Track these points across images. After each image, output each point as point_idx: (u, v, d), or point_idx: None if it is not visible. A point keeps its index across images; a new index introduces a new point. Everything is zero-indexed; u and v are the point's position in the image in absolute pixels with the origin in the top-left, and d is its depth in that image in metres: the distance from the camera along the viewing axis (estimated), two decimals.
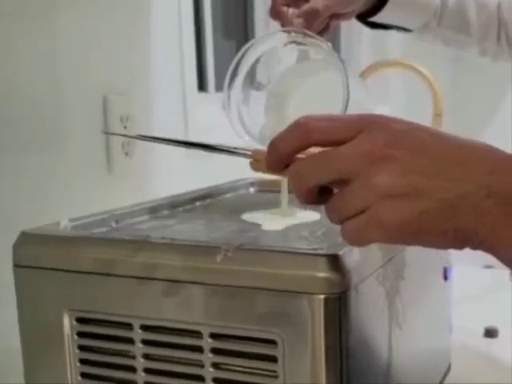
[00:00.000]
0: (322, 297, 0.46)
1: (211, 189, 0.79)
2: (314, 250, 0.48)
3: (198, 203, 0.74)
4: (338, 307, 0.47)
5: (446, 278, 0.72)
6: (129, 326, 0.52)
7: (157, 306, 0.51)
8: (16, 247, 0.56)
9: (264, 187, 0.82)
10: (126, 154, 1.04)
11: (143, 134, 1.07)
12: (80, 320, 0.54)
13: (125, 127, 1.04)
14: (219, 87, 1.46)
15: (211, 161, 1.24)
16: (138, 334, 0.52)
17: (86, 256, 0.53)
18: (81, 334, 0.54)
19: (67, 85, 0.93)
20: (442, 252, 0.72)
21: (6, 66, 0.82)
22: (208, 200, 0.76)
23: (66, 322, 0.54)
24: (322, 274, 0.46)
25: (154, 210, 0.69)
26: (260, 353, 0.49)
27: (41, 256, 0.55)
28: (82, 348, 0.54)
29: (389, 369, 0.56)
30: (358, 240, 0.40)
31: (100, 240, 0.55)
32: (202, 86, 1.41)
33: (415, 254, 0.60)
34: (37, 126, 0.88)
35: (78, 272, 0.53)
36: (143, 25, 1.08)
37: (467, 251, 0.41)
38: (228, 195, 0.80)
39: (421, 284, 0.65)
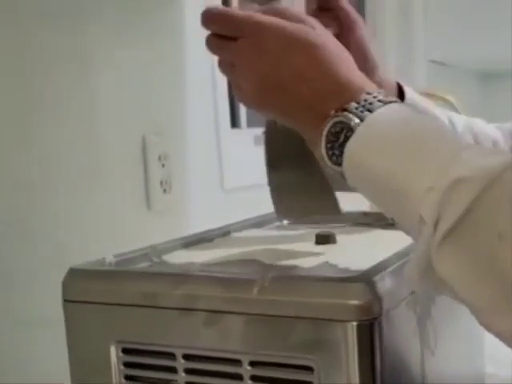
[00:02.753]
0: (355, 324, 0.49)
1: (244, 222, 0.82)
2: (347, 277, 0.51)
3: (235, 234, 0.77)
4: (370, 333, 0.49)
5: None
6: (172, 356, 0.55)
7: (198, 336, 0.54)
8: (65, 283, 0.60)
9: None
10: (165, 191, 1.08)
11: (179, 170, 1.12)
12: (126, 351, 0.57)
13: (163, 165, 1.08)
14: (250, 123, 1.51)
15: (244, 196, 1.28)
16: (180, 364, 0.55)
17: (130, 289, 0.57)
18: (127, 364, 0.57)
19: (108, 127, 0.98)
20: None
21: (54, 116, 0.87)
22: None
23: (113, 352, 0.57)
24: (353, 302, 0.49)
25: (193, 243, 0.72)
26: (297, 379, 0.51)
27: (88, 290, 0.59)
28: (128, 378, 0.57)
29: None
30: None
31: (143, 274, 0.58)
32: (234, 122, 1.45)
33: None
34: (81, 168, 0.92)
35: (123, 305, 0.57)
36: (178, 66, 1.13)
37: None
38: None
39: (452, 308, 0.66)
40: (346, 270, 0.57)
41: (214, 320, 0.53)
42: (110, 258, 0.63)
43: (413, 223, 0.44)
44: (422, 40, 1.93)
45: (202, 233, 0.75)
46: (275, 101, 0.52)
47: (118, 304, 0.57)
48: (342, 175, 0.49)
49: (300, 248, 0.67)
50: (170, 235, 1.09)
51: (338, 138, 0.48)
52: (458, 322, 0.69)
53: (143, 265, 0.65)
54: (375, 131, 0.47)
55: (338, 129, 0.48)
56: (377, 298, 0.49)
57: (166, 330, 0.55)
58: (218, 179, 1.22)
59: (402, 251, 0.59)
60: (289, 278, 0.52)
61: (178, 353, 0.55)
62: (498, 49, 1.88)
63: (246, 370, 0.52)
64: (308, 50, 0.51)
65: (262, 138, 1.41)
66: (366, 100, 0.48)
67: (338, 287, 0.50)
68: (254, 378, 0.52)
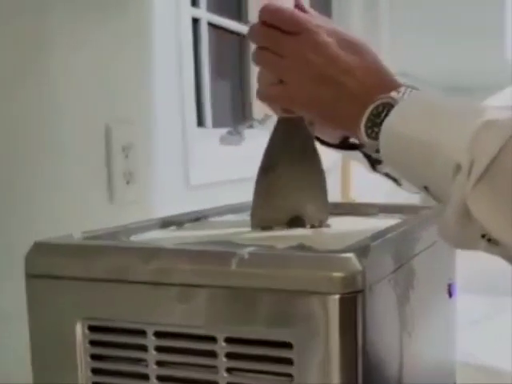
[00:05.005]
0: (338, 296, 0.47)
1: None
2: (330, 249, 0.49)
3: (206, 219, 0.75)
4: (354, 307, 0.47)
5: (450, 294, 0.73)
6: (142, 333, 0.52)
7: (170, 312, 0.51)
8: (29, 257, 0.56)
9: None
10: (128, 182, 1.05)
11: (144, 161, 1.09)
12: (93, 328, 0.54)
13: (127, 156, 1.05)
14: (216, 123, 1.49)
15: (212, 192, 1.26)
16: (151, 341, 0.52)
17: (98, 264, 0.54)
18: (93, 343, 0.54)
19: (69, 114, 0.94)
20: (446, 267, 0.72)
21: (12, 102, 0.83)
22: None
23: (79, 330, 0.54)
24: (337, 273, 0.47)
25: (164, 225, 0.70)
26: (276, 356, 0.49)
27: (54, 264, 0.55)
28: (94, 357, 0.54)
29: (400, 374, 0.56)
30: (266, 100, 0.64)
31: (112, 248, 0.55)
32: (200, 121, 1.43)
33: (422, 263, 0.61)
34: (39, 157, 0.89)
35: (90, 280, 0.54)
36: (145, 52, 1.10)
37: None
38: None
39: (428, 296, 0.65)
40: (328, 246, 0.55)
41: (187, 295, 0.51)
42: (76, 234, 0.60)
43: (446, 178, 0.48)
44: (388, 52, 1.95)
45: (173, 216, 0.73)
46: (323, 92, 0.58)
47: (86, 279, 0.54)
48: (377, 149, 0.54)
49: (277, 232, 0.65)
50: None
51: (380, 116, 0.54)
52: (433, 311, 0.68)
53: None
54: (412, 104, 0.54)
55: (380, 109, 0.54)
56: (361, 270, 0.47)
57: (136, 306, 0.53)
58: (183, 174, 1.19)
59: (383, 230, 0.58)
60: (269, 251, 0.50)
61: (149, 330, 0.52)
62: (464, 62, 1.91)
63: (222, 346, 0.50)
64: (361, 49, 0.59)
65: (227, 138, 1.38)
66: (405, 89, 0.55)
67: (322, 259, 0.48)
68: (229, 355, 0.50)
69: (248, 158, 1.39)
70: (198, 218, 0.75)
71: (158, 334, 0.52)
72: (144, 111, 1.10)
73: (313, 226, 0.67)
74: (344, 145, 0.68)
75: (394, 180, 0.83)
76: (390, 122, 0.53)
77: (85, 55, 0.95)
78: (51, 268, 0.55)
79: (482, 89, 1.85)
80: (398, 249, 0.56)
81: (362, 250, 0.50)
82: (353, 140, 0.75)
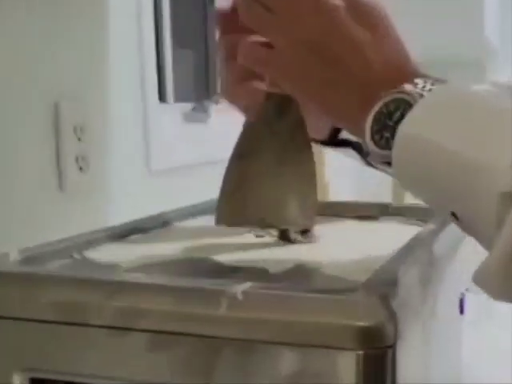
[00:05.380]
0: (362, 353, 0.36)
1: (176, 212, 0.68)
2: (348, 287, 0.37)
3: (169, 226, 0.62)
4: (382, 366, 0.36)
5: (462, 311, 0.63)
6: None
7: (139, 365, 0.39)
8: None
9: None
10: (81, 169, 0.92)
11: (99, 145, 0.95)
12: (35, 382, 0.42)
13: (79, 139, 0.91)
14: (178, 98, 1.35)
15: (174, 179, 1.13)
16: None
17: (42, 300, 0.41)
18: None
19: (13, 91, 0.80)
20: (459, 280, 0.62)
21: None
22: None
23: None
24: (361, 323, 0.36)
25: (122, 235, 0.57)
26: None
27: None
28: None
29: None
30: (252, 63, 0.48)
31: (61, 279, 0.42)
32: (161, 96, 1.30)
33: (443, 285, 0.50)
34: None
35: (33, 321, 0.41)
36: (100, 20, 0.96)
37: None
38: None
39: (445, 320, 0.55)
40: (338, 275, 0.44)
41: (161, 344, 0.39)
42: (14, 255, 0.47)
43: (487, 208, 0.35)
44: None
45: (134, 222, 0.60)
46: (319, 70, 0.45)
47: (26, 319, 0.41)
48: (387, 161, 0.42)
49: (263, 244, 0.54)
50: (87, 222, 0.93)
51: (392, 118, 0.42)
52: (448, 333, 0.57)
53: (59, 263, 0.49)
54: (439, 104, 0.40)
55: (392, 107, 0.42)
56: (392, 316, 0.36)
57: (93, 356, 0.40)
58: (143, 158, 1.06)
59: (404, 249, 0.47)
60: (269, 289, 0.38)
61: None
62: (440, 37, 1.82)
63: None
64: (376, 20, 0.45)
65: (192, 115, 1.23)
66: (426, 81, 0.43)
67: (339, 302, 0.37)
68: None
69: (215, 137, 1.27)
70: (164, 223, 0.63)
71: None
72: (98, 86, 0.96)
73: (299, 233, 0.55)
74: (333, 141, 0.56)
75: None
76: (408, 128, 0.40)
77: (30, 24, 0.81)
78: None
79: (459, 64, 1.77)
80: (424, 276, 0.45)
81: (390, 285, 0.38)
82: (344, 135, 0.63)
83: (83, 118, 0.92)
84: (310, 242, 0.54)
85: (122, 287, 0.40)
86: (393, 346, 0.36)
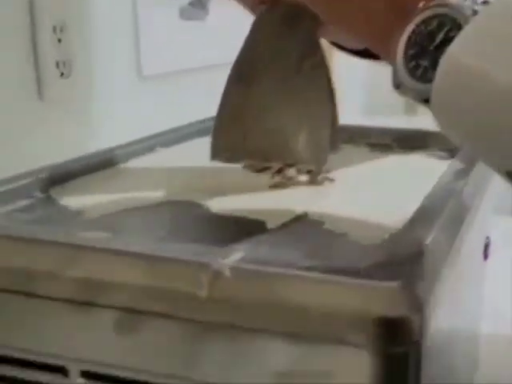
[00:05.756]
0: (380, 353, 0.28)
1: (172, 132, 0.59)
2: (365, 269, 0.30)
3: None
4: (405, 367, 0.29)
5: (486, 256, 0.56)
6: (62, 372, 0.34)
7: (106, 346, 0.32)
8: None
9: None
10: (62, 74, 0.82)
11: (82, 46, 0.85)
12: None
13: (59, 40, 0.81)
14: None
15: (170, 83, 1.03)
16: None
17: None
18: None
19: None
20: (484, 223, 0.54)
21: None
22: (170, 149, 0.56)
23: None
24: (378, 313, 0.28)
25: (98, 167, 0.49)
26: None
27: None
28: None
29: None
30: None
31: (17, 240, 0.34)
32: None
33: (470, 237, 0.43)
34: None
35: None
36: None
37: None
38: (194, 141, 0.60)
39: (470, 273, 0.48)
40: (347, 235, 0.36)
41: (131, 324, 0.32)
42: None
43: None
44: None
45: (111, 149, 0.52)
46: None
47: None
48: (423, 96, 0.33)
49: (260, 185, 0.46)
50: (69, 134, 0.85)
51: (432, 40, 0.32)
52: (471, 288, 0.50)
53: (19, 204, 0.42)
54: (497, 25, 0.29)
55: (433, 26, 0.32)
56: (418, 304, 0.29)
57: (54, 333, 0.33)
58: (133, 61, 0.95)
59: (424, 204, 0.39)
60: (264, 264, 0.30)
61: (73, 368, 0.33)
62: None
63: None
64: None
65: (189, 11, 1.10)
66: None
67: (352, 286, 0.29)
68: None
69: (213, 38, 1.16)
70: (150, 148, 0.54)
71: (88, 375, 0.33)
72: None
73: (306, 172, 0.47)
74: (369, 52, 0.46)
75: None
76: (456, 56, 0.30)
77: None
78: None
79: None
80: (452, 233, 0.37)
81: (416, 262, 0.30)
82: None
83: (64, 15, 0.81)
84: (315, 183, 0.46)
85: (82, 253, 0.32)
86: (418, 344, 0.29)
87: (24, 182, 0.43)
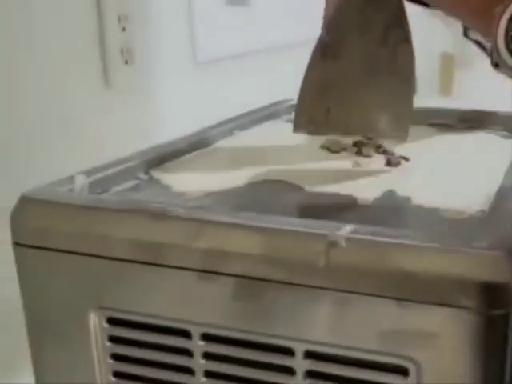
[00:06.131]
0: (484, 314, 0.32)
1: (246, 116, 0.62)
2: (472, 242, 0.33)
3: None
4: (504, 331, 0.32)
5: None
6: (185, 335, 0.38)
7: (228, 311, 0.36)
8: (15, 218, 0.40)
9: None
10: (126, 62, 0.86)
11: (143, 35, 0.89)
12: (113, 321, 0.39)
13: (123, 28, 0.85)
14: None
15: (222, 71, 1.06)
16: (198, 347, 0.37)
17: (121, 237, 0.37)
18: (115, 340, 0.39)
19: None
20: None
21: None
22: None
23: (93, 323, 0.39)
24: (485, 280, 0.32)
25: (187, 150, 0.52)
26: (384, 383, 0.34)
27: (52, 232, 0.39)
28: (116, 358, 0.40)
29: None
30: None
31: (141, 213, 0.38)
32: None
33: None
34: (13, 31, 0.69)
35: (110, 258, 0.38)
36: None
37: None
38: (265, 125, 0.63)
39: None
40: (448, 216, 0.39)
41: (252, 291, 0.35)
42: (80, 180, 0.43)
43: None
44: None
45: (195, 134, 0.55)
46: None
47: (103, 256, 0.38)
48: None
49: (348, 168, 0.49)
50: (134, 119, 0.88)
51: None
52: None
53: (126, 185, 0.45)
54: None
55: None
56: None
57: (177, 299, 0.37)
58: (188, 48, 0.99)
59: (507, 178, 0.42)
60: (378, 235, 0.34)
61: (195, 331, 0.37)
62: None
63: (301, 363, 0.35)
64: None
65: None
66: None
67: (460, 254, 0.32)
68: (310, 373, 0.36)
69: (259, 23, 1.18)
70: (229, 131, 0.58)
71: (209, 338, 0.37)
72: None
73: (382, 152, 0.50)
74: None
75: (484, 49, 0.65)
76: None
77: None
78: (47, 236, 0.39)
79: None
80: None
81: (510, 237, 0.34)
82: None
83: (127, 5, 0.85)
84: (392, 163, 0.49)
85: (206, 227, 0.36)
86: None
87: (128, 164, 0.47)
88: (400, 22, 0.45)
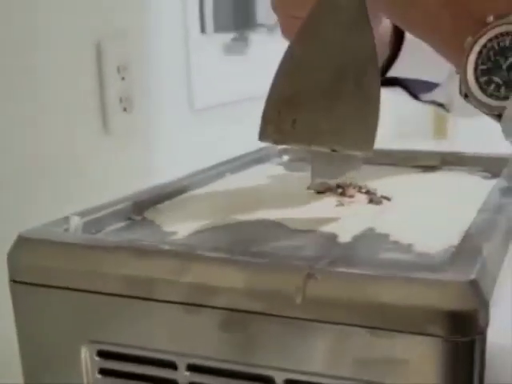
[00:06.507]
0: (452, 340, 0.34)
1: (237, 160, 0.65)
2: (436, 272, 0.35)
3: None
4: (471, 354, 0.34)
5: None
6: (171, 366, 0.39)
7: (211, 342, 0.38)
8: (12, 256, 0.42)
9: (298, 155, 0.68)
10: (125, 109, 0.89)
11: (142, 84, 0.92)
12: (104, 355, 0.41)
13: (123, 78, 0.88)
14: (218, 28, 1.30)
15: (219, 115, 1.10)
16: (183, 377, 0.39)
17: (111, 272, 0.40)
18: (105, 372, 0.41)
19: (54, 31, 0.77)
20: None
21: None
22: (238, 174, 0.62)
23: (86, 356, 0.41)
24: (451, 307, 0.33)
25: (179, 191, 0.55)
26: None
27: (47, 270, 0.41)
28: None
29: None
30: None
31: (130, 250, 0.41)
32: (202, 27, 1.25)
33: None
34: (20, 79, 0.73)
35: (100, 293, 0.40)
36: None
37: None
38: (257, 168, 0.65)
39: None
40: (415, 246, 0.41)
41: (236, 322, 0.37)
42: (75, 220, 0.45)
43: None
44: None
45: (188, 176, 0.58)
46: None
47: (93, 292, 0.40)
48: (494, 111, 0.33)
49: (332, 208, 0.51)
50: (132, 164, 0.91)
51: (505, 57, 0.33)
52: None
53: (119, 225, 0.48)
54: None
55: (506, 43, 0.32)
56: (484, 300, 0.34)
57: (164, 331, 0.39)
58: (186, 96, 1.03)
59: (479, 217, 0.44)
60: (349, 270, 0.36)
61: (181, 362, 0.39)
62: None
63: None
64: None
65: (232, 46, 1.17)
66: None
67: (426, 286, 0.34)
68: None
69: (256, 71, 1.22)
70: (220, 174, 0.60)
71: (194, 369, 0.39)
72: (140, 23, 0.93)
73: (365, 192, 0.52)
74: (382, 81, 0.48)
75: (441, 106, 0.68)
76: None
77: None
78: (42, 273, 0.41)
79: None
80: (503, 244, 0.43)
81: (479, 266, 0.36)
82: (392, 74, 0.58)
83: (126, 56, 0.89)
84: (374, 202, 0.51)
85: (191, 263, 0.38)
86: (483, 333, 0.34)
87: (122, 205, 0.49)
88: (363, 29, 0.45)
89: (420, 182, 0.60)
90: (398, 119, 1.74)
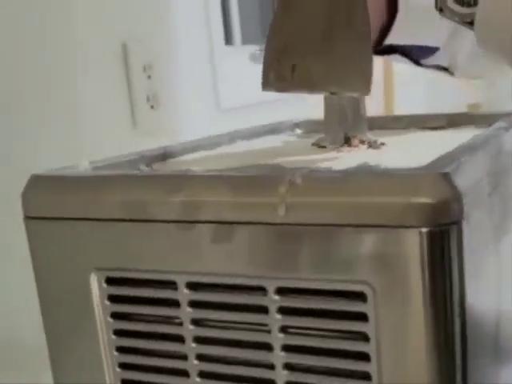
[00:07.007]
0: (426, 230, 0.35)
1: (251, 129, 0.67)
2: (411, 168, 0.37)
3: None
4: (448, 243, 0.35)
5: None
6: (172, 285, 0.42)
7: (205, 258, 0.40)
8: (26, 195, 0.45)
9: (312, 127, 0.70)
10: (152, 107, 0.93)
11: (168, 83, 0.96)
12: (111, 281, 0.43)
13: (149, 77, 0.93)
14: (245, 40, 1.35)
15: (242, 117, 1.13)
16: (184, 295, 0.41)
17: (111, 199, 0.42)
18: (113, 299, 0.44)
19: (82, 33, 0.82)
20: None
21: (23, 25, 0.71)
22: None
23: (94, 284, 0.44)
24: (425, 200, 0.35)
25: (192, 149, 0.58)
26: (342, 310, 0.37)
27: (55, 203, 0.44)
28: (115, 316, 0.44)
29: (498, 329, 0.45)
30: None
31: (127, 179, 0.44)
32: (228, 38, 1.29)
33: None
34: (53, 81, 0.77)
35: (102, 220, 0.43)
36: None
37: None
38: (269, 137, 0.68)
39: None
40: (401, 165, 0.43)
41: (225, 234, 0.39)
42: (84, 164, 0.48)
43: None
44: None
45: (202, 139, 0.61)
46: None
47: (96, 219, 0.43)
48: (466, 19, 0.36)
49: (332, 153, 0.53)
50: None
51: None
52: None
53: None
54: None
55: None
56: (457, 193, 0.35)
57: (162, 251, 0.41)
58: (212, 96, 1.06)
59: (470, 142, 0.45)
60: (329, 173, 0.38)
61: (180, 280, 0.41)
62: None
63: (273, 300, 0.39)
64: None
65: (258, 56, 1.21)
66: None
67: (401, 180, 0.36)
68: (283, 310, 0.39)
69: None
70: (232, 140, 0.63)
71: (192, 286, 0.41)
72: (164, 26, 0.97)
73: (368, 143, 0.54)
74: (377, 49, 0.50)
75: (445, 70, 0.68)
76: None
77: None
78: (52, 207, 0.44)
79: None
80: (492, 164, 0.44)
81: (454, 166, 0.37)
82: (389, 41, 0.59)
83: (151, 56, 0.93)
84: (373, 147, 0.53)
85: (181, 181, 0.41)
86: (458, 223, 0.35)
87: (131, 157, 0.52)
88: None
89: (424, 136, 0.61)
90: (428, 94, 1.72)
